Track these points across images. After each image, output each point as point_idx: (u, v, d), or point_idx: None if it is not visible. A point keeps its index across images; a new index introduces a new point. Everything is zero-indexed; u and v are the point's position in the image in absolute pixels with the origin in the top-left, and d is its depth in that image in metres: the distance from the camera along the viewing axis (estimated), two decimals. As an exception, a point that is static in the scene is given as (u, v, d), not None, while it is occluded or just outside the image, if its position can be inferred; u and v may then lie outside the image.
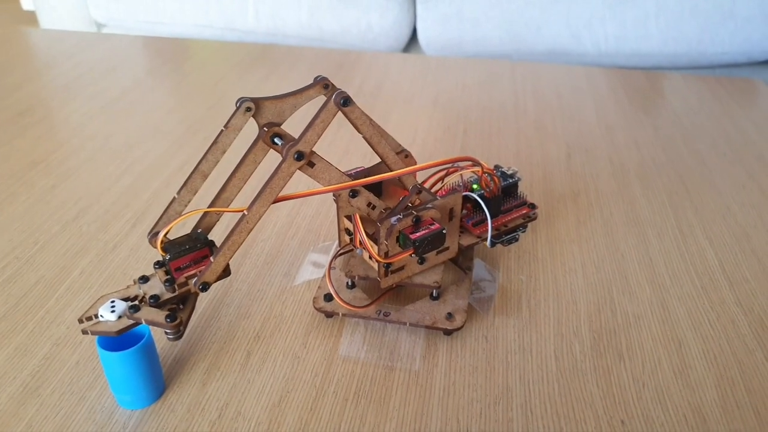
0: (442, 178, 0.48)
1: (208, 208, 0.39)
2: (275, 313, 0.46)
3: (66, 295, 0.47)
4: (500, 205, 0.48)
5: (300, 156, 0.36)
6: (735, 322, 0.46)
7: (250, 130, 0.39)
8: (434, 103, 0.81)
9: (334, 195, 0.45)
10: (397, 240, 0.41)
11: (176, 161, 0.66)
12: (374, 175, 0.43)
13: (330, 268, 0.45)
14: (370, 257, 0.43)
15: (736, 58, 1.17)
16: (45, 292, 0.48)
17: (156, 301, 0.37)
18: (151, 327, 0.37)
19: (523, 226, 0.49)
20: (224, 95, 0.83)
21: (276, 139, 0.37)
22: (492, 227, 0.46)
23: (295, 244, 0.53)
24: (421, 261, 0.43)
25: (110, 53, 0.97)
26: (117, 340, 0.37)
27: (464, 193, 0.46)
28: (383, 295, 0.44)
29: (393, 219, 0.40)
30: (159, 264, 0.37)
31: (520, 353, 0.43)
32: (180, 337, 0.37)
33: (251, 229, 0.36)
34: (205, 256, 0.38)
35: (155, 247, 0.37)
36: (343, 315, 0.44)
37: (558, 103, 0.82)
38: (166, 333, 0.37)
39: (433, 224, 0.41)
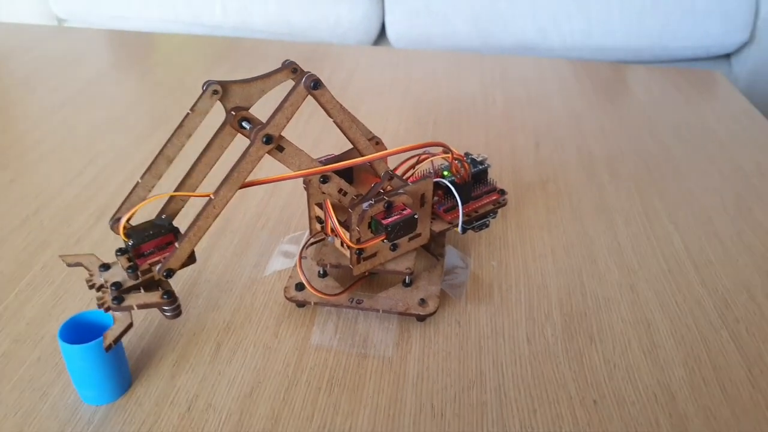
0: (413, 166, 0.48)
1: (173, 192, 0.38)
2: (245, 304, 0.45)
3: (26, 291, 0.46)
4: (471, 191, 0.48)
5: (269, 139, 0.35)
6: (700, 303, 0.47)
7: (216, 116, 0.38)
8: (404, 96, 0.81)
9: (304, 182, 0.44)
10: (369, 226, 0.40)
11: (142, 154, 0.65)
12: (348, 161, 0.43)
13: (301, 257, 0.44)
14: (342, 244, 0.42)
15: (696, 53, 1.20)
16: (4, 287, 0.46)
17: (118, 288, 0.36)
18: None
19: (494, 212, 0.49)
20: (190, 88, 0.81)
21: (244, 124, 0.37)
22: (463, 213, 0.46)
23: (265, 235, 0.52)
24: (394, 247, 0.43)
25: (72, 46, 0.95)
26: (79, 333, 0.36)
27: (435, 180, 0.46)
28: (356, 282, 0.44)
29: (365, 205, 0.40)
30: (121, 251, 0.36)
31: (493, 337, 0.43)
32: (180, 313, 0.36)
33: (218, 215, 0.35)
34: (169, 242, 0.37)
35: (117, 233, 0.36)
36: (315, 304, 0.43)
37: (526, 94, 0.82)
38: (165, 312, 0.36)
39: (405, 210, 0.41)
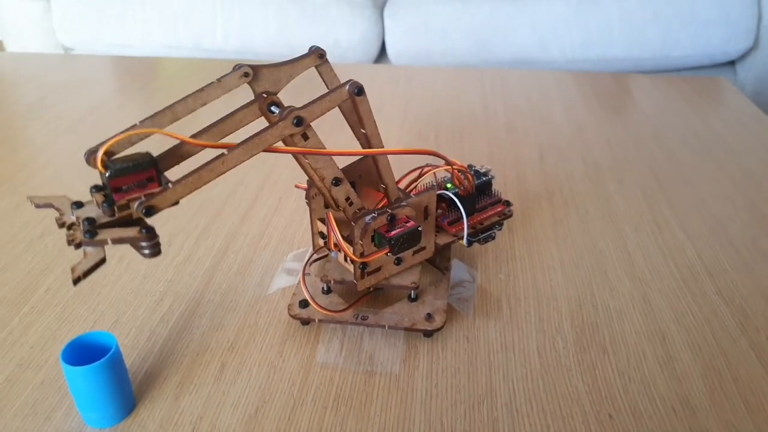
0: (416, 179, 0.47)
1: (188, 137, 0.35)
2: (249, 322, 0.44)
3: (30, 314, 0.45)
4: (475, 203, 0.47)
5: (299, 122, 0.34)
6: (717, 313, 0.45)
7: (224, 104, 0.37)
8: (404, 111, 0.81)
9: (306, 197, 0.43)
10: (373, 239, 0.40)
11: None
12: (353, 173, 0.42)
13: (304, 273, 0.44)
14: (345, 259, 0.42)
15: (699, 61, 1.19)
16: (8, 312, 0.46)
17: (91, 225, 0.32)
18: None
19: (500, 224, 0.48)
20: (195, 112, 0.81)
21: (273, 108, 0.36)
22: (468, 225, 0.45)
23: (268, 254, 0.52)
24: (398, 261, 0.42)
25: (76, 73, 0.95)
26: (82, 354, 0.36)
27: (439, 192, 0.45)
28: (361, 298, 0.43)
29: (367, 218, 0.39)
30: (97, 188, 0.33)
31: (503, 352, 0.42)
32: (159, 252, 0.33)
33: (223, 173, 0.33)
34: (150, 178, 0.33)
35: (93, 166, 0.32)
36: (320, 321, 0.43)
37: (528, 106, 0.82)
38: (142, 249, 0.32)
39: (409, 222, 0.40)
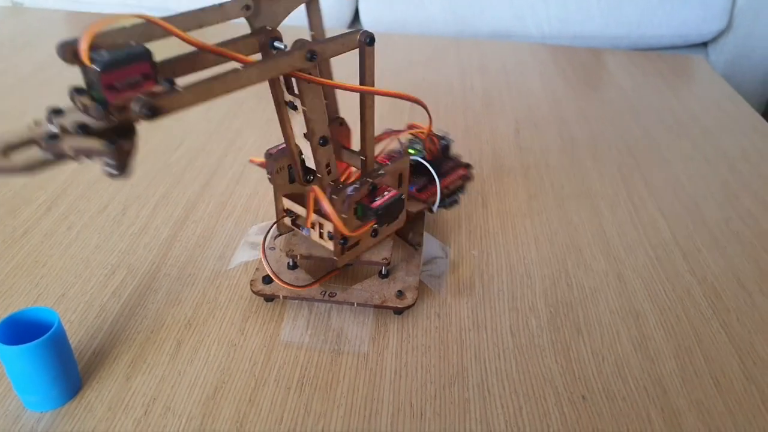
0: (383, 152, 0.45)
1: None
2: (209, 298, 0.42)
3: (-34, 287, 0.42)
4: (440, 168, 0.46)
5: (313, 56, 0.33)
6: (690, 292, 0.45)
7: None
8: (378, 79, 0.78)
9: (268, 172, 0.40)
10: (355, 212, 0.37)
11: (98, 140, 0.60)
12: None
13: (266, 246, 0.41)
14: (322, 236, 0.39)
15: (674, 41, 1.19)
16: (-59, 284, 0.42)
17: (85, 131, 0.27)
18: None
19: (462, 188, 0.47)
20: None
21: (276, 43, 0.35)
22: (441, 190, 0.44)
23: (231, 225, 0.49)
24: (374, 233, 0.40)
25: (24, 28, 0.89)
26: (19, 332, 0.33)
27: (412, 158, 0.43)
28: (329, 273, 0.41)
29: (349, 189, 0.36)
30: (79, 90, 0.27)
31: (475, 330, 0.40)
32: (125, 171, 0.28)
33: (234, 90, 0.30)
34: (146, 75, 0.27)
35: (71, 60, 0.26)
36: (285, 297, 0.40)
37: (505, 79, 0.80)
38: (107, 165, 0.27)
39: (389, 191, 0.38)
